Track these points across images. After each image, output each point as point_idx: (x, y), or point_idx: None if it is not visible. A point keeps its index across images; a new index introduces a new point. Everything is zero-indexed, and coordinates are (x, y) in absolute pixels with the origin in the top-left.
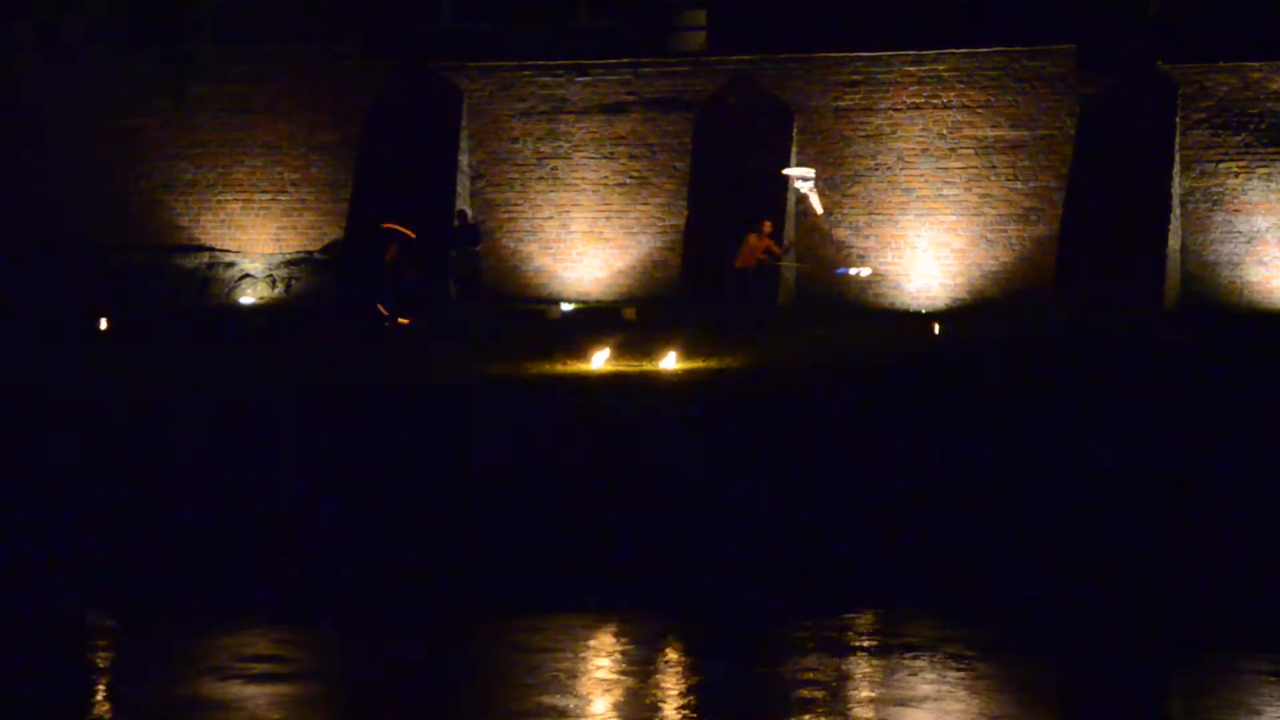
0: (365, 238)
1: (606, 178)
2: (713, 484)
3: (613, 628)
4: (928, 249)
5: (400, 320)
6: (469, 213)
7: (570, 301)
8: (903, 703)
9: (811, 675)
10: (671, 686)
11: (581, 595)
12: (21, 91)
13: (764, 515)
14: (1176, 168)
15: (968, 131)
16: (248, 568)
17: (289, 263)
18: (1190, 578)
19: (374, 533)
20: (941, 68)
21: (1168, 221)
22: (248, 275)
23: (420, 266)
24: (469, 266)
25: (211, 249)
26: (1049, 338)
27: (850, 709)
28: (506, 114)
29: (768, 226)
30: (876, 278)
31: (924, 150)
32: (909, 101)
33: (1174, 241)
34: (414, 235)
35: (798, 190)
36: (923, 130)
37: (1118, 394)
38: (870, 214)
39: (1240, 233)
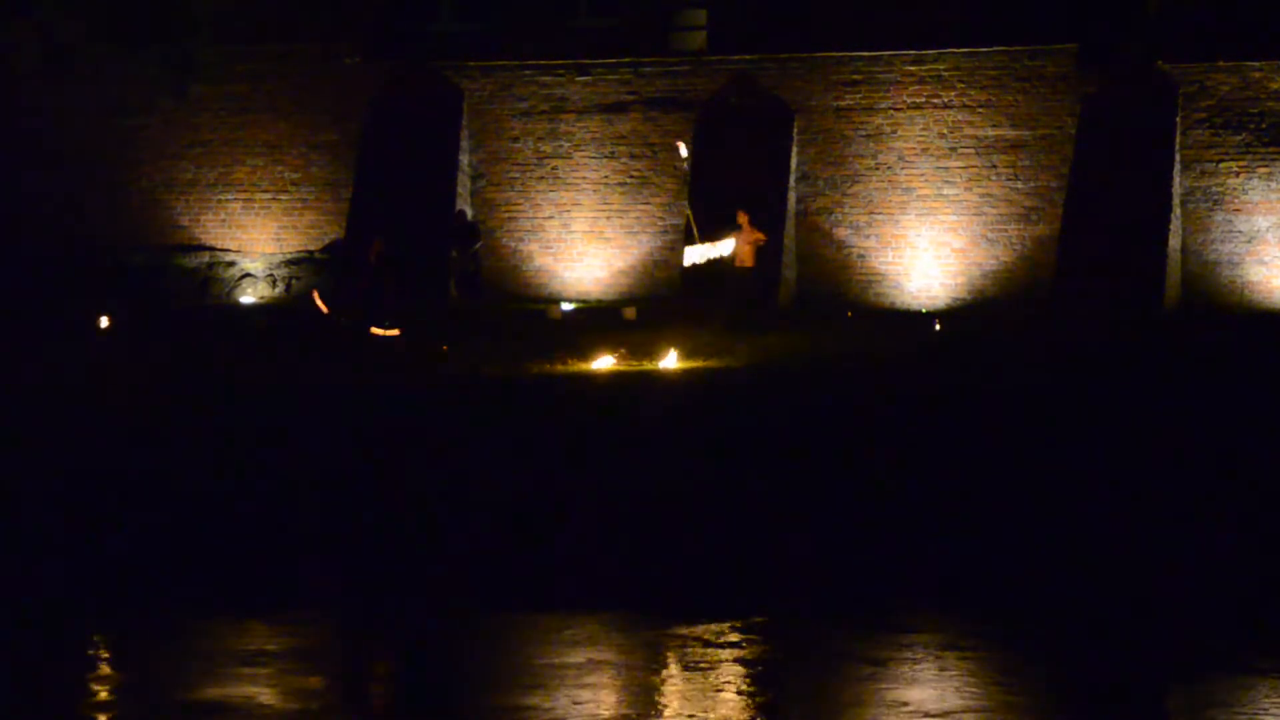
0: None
1: (607, 177)
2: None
3: (601, 626)
4: (928, 248)
5: (375, 330)
6: (468, 211)
7: (570, 301)
8: (903, 702)
9: (800, 675)
10: (667, 686)
11: (571, 595)
12: (21, 92)
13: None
14: (1176, 168)
15: (968, 131)
16: (248, 565)
17: (289, 262)
18: (1188, 579)
19: (370, 531)
20: (941, 68)
21: (1168, 221)
22: (248, 275)
23: (404, 280)
24: (470, 265)
25: (212, 248)
26: (1049, 337)
27: (850, 708)
28: (506, 114)
29: (744, 218)
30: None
31: (924, 150)
32: (909, 101)
33: (1174, 241)
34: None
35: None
36: (923, 130)
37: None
38: (870, 213)
39: (1240, 232)
